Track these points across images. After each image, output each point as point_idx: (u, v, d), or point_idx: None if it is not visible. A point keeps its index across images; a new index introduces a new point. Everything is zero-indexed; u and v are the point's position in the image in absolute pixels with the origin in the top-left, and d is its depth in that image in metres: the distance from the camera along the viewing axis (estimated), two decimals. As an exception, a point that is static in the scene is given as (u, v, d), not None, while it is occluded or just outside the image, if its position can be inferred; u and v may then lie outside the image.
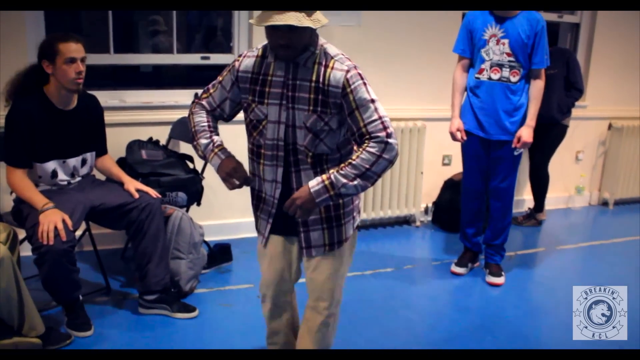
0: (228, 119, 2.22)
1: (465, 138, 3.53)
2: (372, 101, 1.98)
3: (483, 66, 3.42)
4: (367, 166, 1.95)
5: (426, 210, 4.68)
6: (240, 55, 2.12)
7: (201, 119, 2.17)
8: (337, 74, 1.96)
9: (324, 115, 2.00)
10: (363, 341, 2.94)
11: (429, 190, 4.62)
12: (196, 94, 3.80)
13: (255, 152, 2.13)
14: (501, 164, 3.52)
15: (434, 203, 4.65)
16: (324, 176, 1.97)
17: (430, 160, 4.56)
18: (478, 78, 3.45)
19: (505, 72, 3.37)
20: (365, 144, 1.97)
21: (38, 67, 2.86)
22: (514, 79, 3.38)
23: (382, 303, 3.36)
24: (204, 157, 2.15)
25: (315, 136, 2.02)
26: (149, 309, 3.08)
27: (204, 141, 2.13)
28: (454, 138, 3.56)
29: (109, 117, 3.31)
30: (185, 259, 3.26)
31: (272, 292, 2.34)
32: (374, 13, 4.18)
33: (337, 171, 1.96)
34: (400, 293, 3.50)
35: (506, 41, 3.34)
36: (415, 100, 4.47)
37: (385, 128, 1.96)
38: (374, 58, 4.26)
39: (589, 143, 5.28)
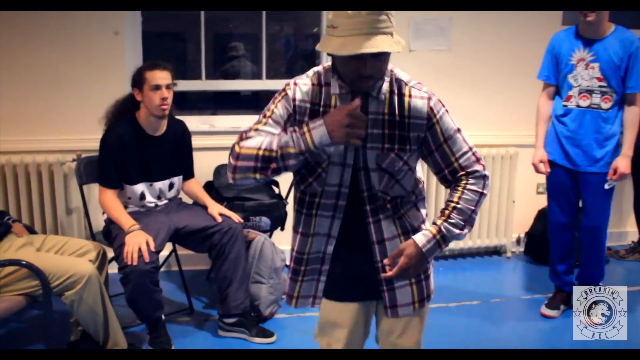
0: None
1: (549, 170, 3.34)
2: (459, 130, 1.75)
3: (571, 93, 3.23)
4: (473, 207, 1.73)
5: (518, 241, 4.47)
6: (288, 84, 1.77)
7: (260, 137, 1.71)
8: (418, 103, 1.70)
9: (403, 154, 1.72)
10: (442, 377, 2.82)
11: (522, 220, 4.41)
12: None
13: (307, 203, 1.81)
14: (591, 199, 3.28)
15: (527, 233, 4.43)
16: (433, 230, 1.72)
17: (522, 188, 4.36)
18: (566, 106, 3.25)
19: (596, 99, 3.16)
20: (464, 182, 1.74)
21: (131, 95, 3.03)
22: (605, 105, 3.17)
23: (464, 337, 3.23)
24: (284, 147, 1.63)
25: (391, 177, 1.74)
26: (228, 332, 3.13)
27: (280, 137, 1.65)
28: (537, 170, 3.38)
29: (199, 141, 3.44)
30: (265, 283, 3.29)
31: None
32: (463, 36, 4.09)
33: (445, 220, 1.72)
34: (485, 328, 3.35)
35: (596, 65, 3.13)
36: (507, 125, 4.31)
37: (478, 160, 1.76)
38: (465, 82, 4.15)
39: None
